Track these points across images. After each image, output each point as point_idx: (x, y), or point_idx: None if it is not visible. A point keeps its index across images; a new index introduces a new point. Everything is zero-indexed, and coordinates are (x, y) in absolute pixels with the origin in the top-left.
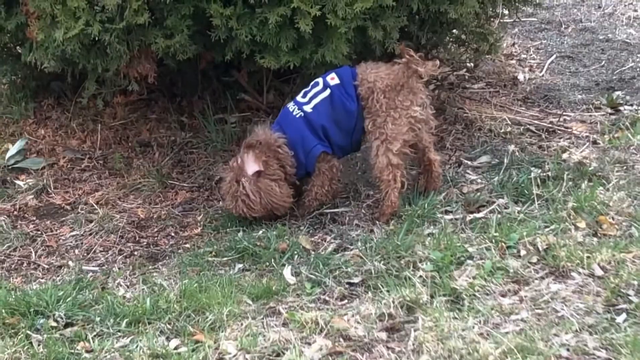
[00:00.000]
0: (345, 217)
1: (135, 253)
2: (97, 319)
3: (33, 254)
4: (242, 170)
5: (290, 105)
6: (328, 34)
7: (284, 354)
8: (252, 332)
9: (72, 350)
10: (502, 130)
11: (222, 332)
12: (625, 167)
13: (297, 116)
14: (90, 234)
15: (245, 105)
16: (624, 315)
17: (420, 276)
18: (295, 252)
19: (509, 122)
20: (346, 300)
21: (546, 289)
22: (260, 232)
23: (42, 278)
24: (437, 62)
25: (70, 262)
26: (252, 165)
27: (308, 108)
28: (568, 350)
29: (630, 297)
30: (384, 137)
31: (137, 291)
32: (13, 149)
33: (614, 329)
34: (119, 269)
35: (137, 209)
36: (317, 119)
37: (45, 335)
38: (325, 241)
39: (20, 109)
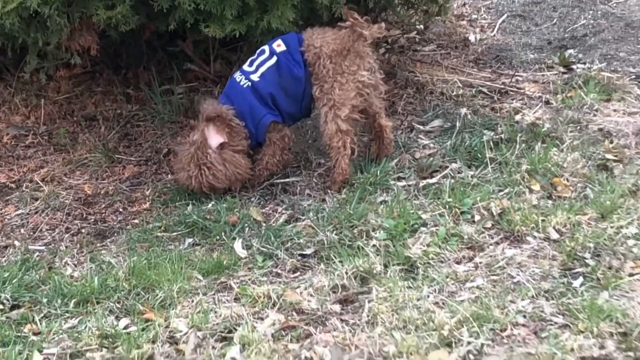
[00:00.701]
0: (297, 187)
1: (83, 230)
2: (44, 300)
3: None
4: (206, 143)
5: (237, 75)
6: (273, 0)
7: (236, 330)
8: (203, 308)
9: (19, 333)
10: (454, 93)
11: (173, 309)
12: (578, 127)
13: (245, 86)
14: (36, 212)
15: (192, 75)
16: (580, 279)
17: (374, 245)
18: (246, 225)
19: (461, 85)
20: (299, 273)
21: (501, 255)
22: (210, 205)
23: None
24: (383, 24)
25: (15, 242)
26: (215, 137)
27: (255, 77)
28: (524, 317)
29: (586, 261)
30: (331, 104)
31: (85, 270)
32: None
33: (571, 293)
34: (66, 247)
35: (84, 185)
36: (264, 87)
37: None
38: (276, 212)
39: None
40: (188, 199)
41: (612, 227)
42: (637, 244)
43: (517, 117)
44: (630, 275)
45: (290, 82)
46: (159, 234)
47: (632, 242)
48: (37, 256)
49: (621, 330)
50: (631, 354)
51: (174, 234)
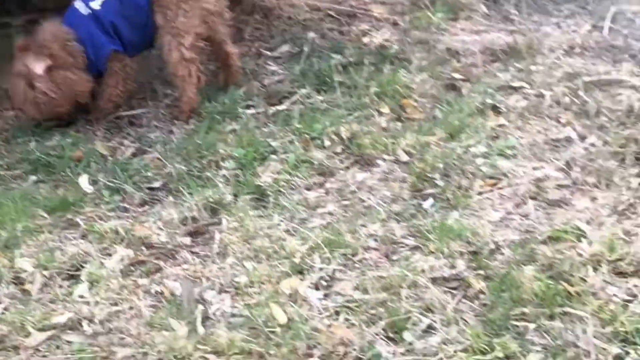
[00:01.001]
0: (143, 119)
1: None
2: None
3: None
4: (31, 72)
5: (77, 3)
6: None
7: (83, 267)
8: (49, 247)
9: None
10: (302, 17)
11: (17, 249)
12: (427, 48)
13: (85, 14)
14: None
15: (31, 6)
16: (430, 200)
17: (223, 175)
18: (92, 160)
19: (308, 9)
20: (147, 207)
21: (352, 179)
22: (54, 140)
23: None
24: None
25: None
26: (38, 64)
27: (96, 5)
28: (376, 240)
29: (436, 182)
30: (175, 32)
31: None
32: None
33: (421, 215)
34: None
35: None
36: (105, 15)
37: None
38: (122, 145)
39: None
40: (31, 135)
41: (460, 147)
42: (486, 162)
43: (365, 40)
44: (479, 194)
45: (133, 10)
46: (1, 173)
47: (481, 161)
48: None
49: (471, 249)
50: (482, 272)
51: (17, 171)
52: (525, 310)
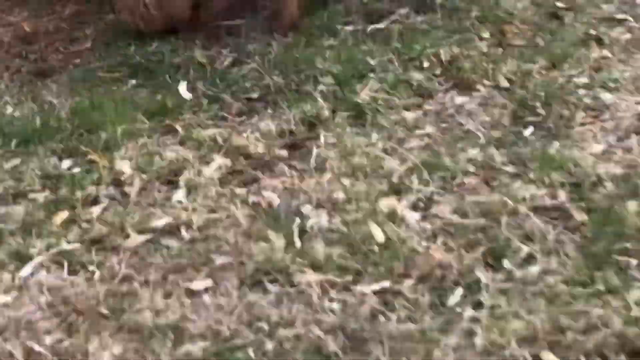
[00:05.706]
0: (242, 30)
1: (23, 69)
2: None
3: None
4: None
5: None
6: None
7: (181, 173)
8: (148, 151)
9: None
10: None
11: (117, 151)
12: None
13: None
14: None
15: None
16: (531, 129)
17: (321, 91)
18: (191, 67)
19: None
20: (245, 117)
21: (451, 102)
22: (153, 46)
23: None
24: None
25: None
26: None
27: None
28: (475, 165)
29: (537, 110)
30: None
31: (26, 109)
32: None
33: (522, 142)
34: (6, 86)
35: (23, 23)
36: None
37: None
38: (221, 55)
39: None
40: (130, 39)
41: (562, 77)
42: (588, 94)
43: None
44: (581, 125)
45: None
46: (101, 74)
47: (583, 92)
48: None
49: (573, 180)
50: (583, 204)
51: (117, 74)
52: (628, 245)
